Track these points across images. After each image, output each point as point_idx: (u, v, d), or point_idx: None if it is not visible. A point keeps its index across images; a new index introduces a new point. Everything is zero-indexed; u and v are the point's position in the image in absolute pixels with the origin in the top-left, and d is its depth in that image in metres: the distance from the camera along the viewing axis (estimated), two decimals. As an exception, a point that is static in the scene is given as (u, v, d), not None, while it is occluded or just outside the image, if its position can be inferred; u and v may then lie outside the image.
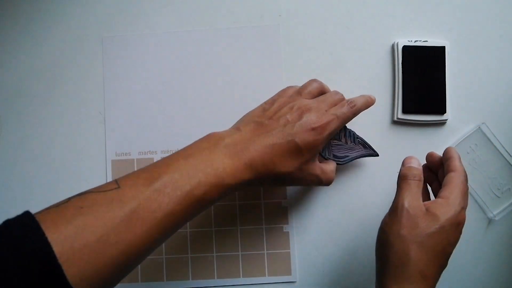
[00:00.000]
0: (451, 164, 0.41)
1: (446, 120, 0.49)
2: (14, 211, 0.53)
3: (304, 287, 0.49)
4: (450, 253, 0.39)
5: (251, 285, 0.49)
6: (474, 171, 0.48)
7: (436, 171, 0.44)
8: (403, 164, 0.42)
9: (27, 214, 0.31)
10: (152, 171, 0.35)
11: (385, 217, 0.40)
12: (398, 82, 0.49)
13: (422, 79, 0.49)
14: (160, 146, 0.50)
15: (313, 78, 0.45)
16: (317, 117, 0.40)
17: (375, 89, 0.49)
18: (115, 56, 0.51)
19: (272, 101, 0.43)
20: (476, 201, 0.49)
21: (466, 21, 0.50)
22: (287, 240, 0.49)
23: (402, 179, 0.40)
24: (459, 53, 0.49)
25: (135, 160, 0.50)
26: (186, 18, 0.51)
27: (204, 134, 0.40)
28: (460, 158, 0.41)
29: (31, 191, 0.50)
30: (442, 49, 0.49)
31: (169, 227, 0.34)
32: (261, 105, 0.43)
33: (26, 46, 0.51)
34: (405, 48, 0.48)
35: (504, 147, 0.48)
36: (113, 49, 0.51)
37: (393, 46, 0.49)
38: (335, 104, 0.42)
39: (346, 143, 0.45)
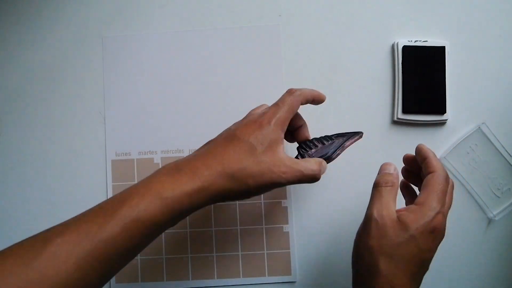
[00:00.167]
0: (428, 164, 0.39)
1: (446, 120, 0.49)
2: (14, 211, 0.53)
3: (304, 287, 0.49)
4: (428, 259, 0.37)
5: (251, 285, 0.49)
6: (474, 171, 0.48)
7: (417, 173, 0.42)
8: (378, 171, 0.41)
9: None
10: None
11: (359, 228, 0.39)
12: (398, 82, 0.49)
13: (422, 79, 0.49)
14: (160, 146, 0.50)
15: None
16: (260, 111, 0.40)
17: (375, 89, 0.49)
18: (115, 56, 0.51)
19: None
20: (476, 201, 0.49)
21: (466, 21, 0.50)
22: (287, 240, 0.49)
23: (374, 187, 0.39)
24: (459, 53, 0.49)
25: (135, 160, 0.50)
26: (186, 18, 0.51)
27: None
28: (435, 155, 0.39)
29: (31, 191, 0.50)
30: (442, 49, 0.49)
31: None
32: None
33: (26, 46, 0.51)
34: (405, 48, 0.48)
35: (504, 147, 0.48)
36: (113, 49, 0.51)
37: (393, 46, 0.49)
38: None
39: (323, 144, 0.44)
